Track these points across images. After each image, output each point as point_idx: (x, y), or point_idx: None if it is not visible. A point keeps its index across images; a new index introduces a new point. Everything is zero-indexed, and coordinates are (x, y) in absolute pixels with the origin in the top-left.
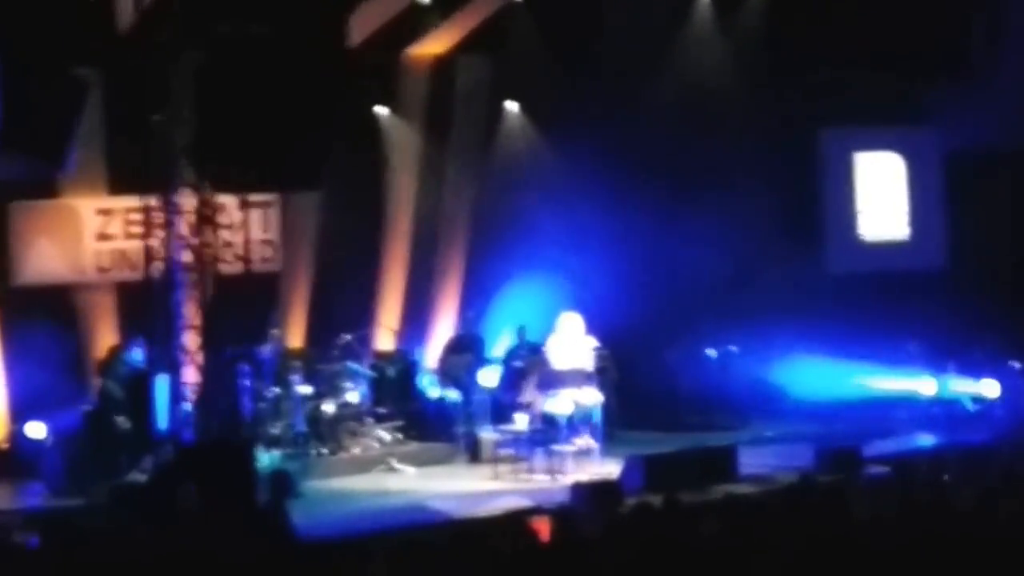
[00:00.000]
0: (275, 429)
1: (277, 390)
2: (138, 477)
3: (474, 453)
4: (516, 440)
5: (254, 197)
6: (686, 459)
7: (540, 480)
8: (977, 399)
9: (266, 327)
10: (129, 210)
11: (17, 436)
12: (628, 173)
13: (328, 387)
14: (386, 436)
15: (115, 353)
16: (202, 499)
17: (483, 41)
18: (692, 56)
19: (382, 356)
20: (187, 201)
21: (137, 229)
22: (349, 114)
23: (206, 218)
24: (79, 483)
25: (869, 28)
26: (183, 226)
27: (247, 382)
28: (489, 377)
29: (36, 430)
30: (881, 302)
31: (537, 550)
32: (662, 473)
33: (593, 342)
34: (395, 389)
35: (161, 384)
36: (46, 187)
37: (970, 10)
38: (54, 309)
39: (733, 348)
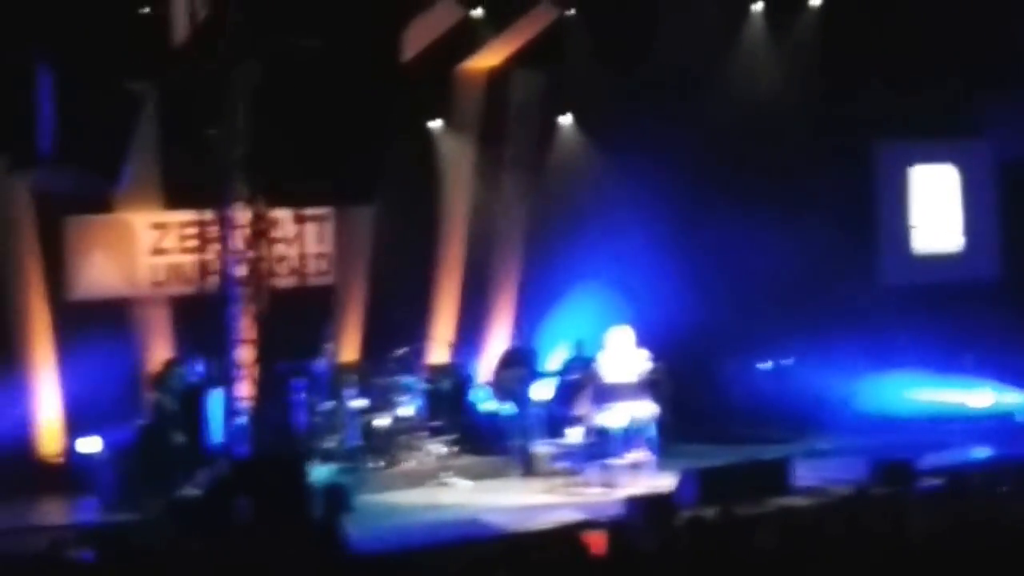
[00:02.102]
0: (329, 443)
1: (331, 404)
2: (192, 492)
3: (528, 466)
4: (570, 453)
5: (308, 211)
6: (740, 472)
7: (594, 494)
8: None
9: (320, 341)
10: (184, 224)
11: (72, 451)
12: (682, 187)
13: (382, 401)
14: (440, 450)
15: (170, 367)
16: (256, 513)
17: (537, 55)
18: (746, 69)
19: (436, 369)
20: (241, 215)
21: (192, 243)
22: (403, 128)
23: (260, 232)
24: (133, 498)
25: (922, 40)
26: (238, 240)
27: (301, 396)
28: (543, 390)
29: (91, 445)
30: (936, 314)
31: (591, 564)
32: (716, 486)
33: (646, 355)
34: (449, 403)
35: (215, 398)
36: (101, 201)
37: (1022, 22)
38: (109, 323)
39: (788, 361)
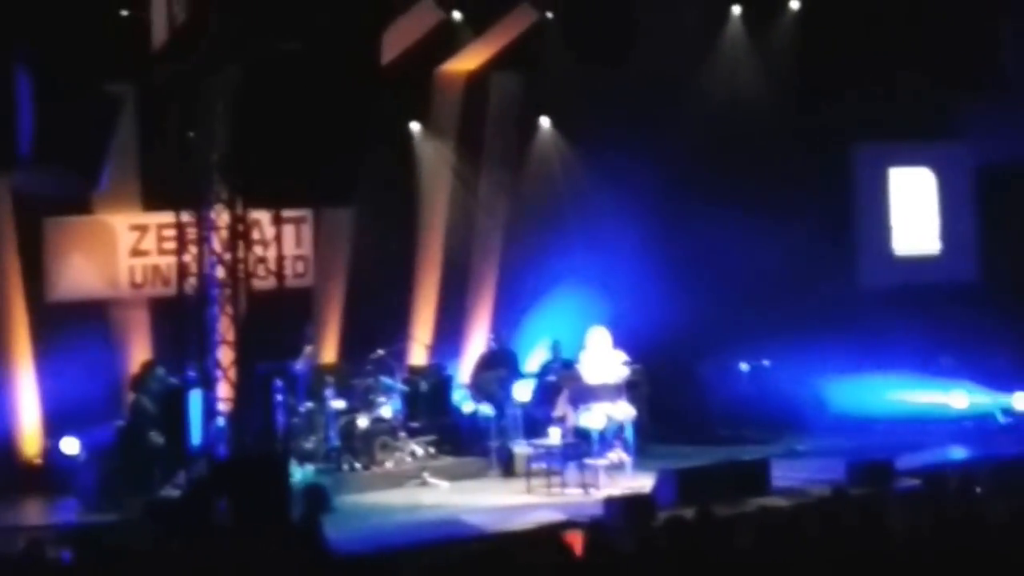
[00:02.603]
0: (309, 444)
1: (311, 405)
2: (171, 492)
3: (507, 467)
4: (549, 454)
5: (287, 213)
6: (719, 473)
7: (573, 494)
8: (1009, 412)
9: (299, 342)
10: (163, 226)
11: (51, 452)
12: (660, 189)
13: (361, 402)
14: (419, 450)
15: (148, 369)
16: (236, 514)
17: (515, 57)
18: (725, 72)
19: (415, 371)
20: (220, 217)
21: (171, 245)
22: (382, 130)
23: (239, 234)
24: (112, 498)
25: (900, 43)
26: (216, 242)
27: (281, 397)
28: (522, 392)
29: (70, 446)
30: (913, 316)
31: (570, 564)
32: (695, 487)
33: (623, 356)
34: (428, 404)
35: (195, 399)
36: (80, 203)
37: (1001, 24)
38: (88, 325)
39: (766, 362)
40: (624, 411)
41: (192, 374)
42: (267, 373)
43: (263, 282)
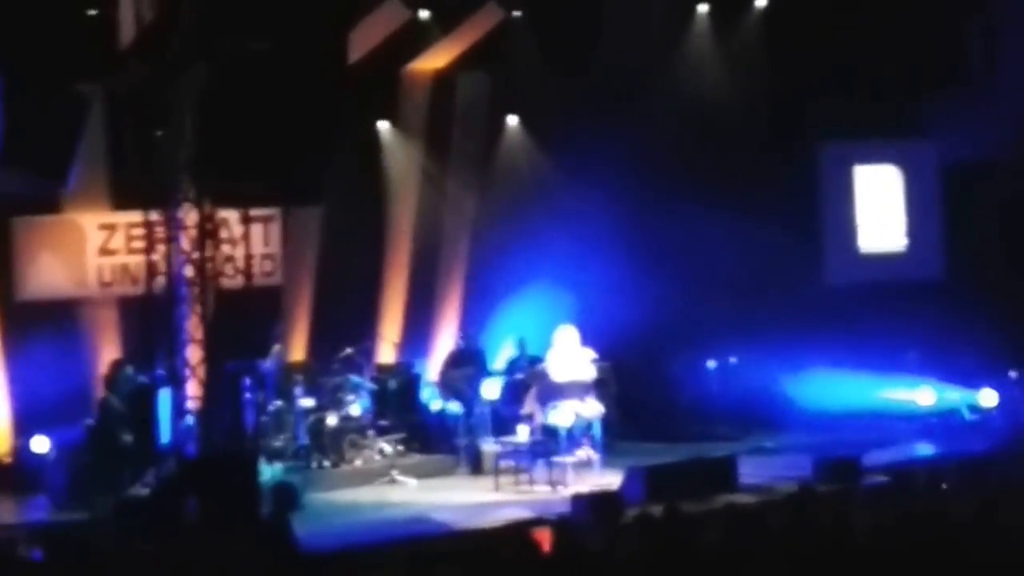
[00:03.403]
0: (278, 442)
1: (279, 403)
2: (141, 491)
3: (475, 465)
4: (517, 452)
5: (255, 212)
6: (687, 470)
7: (541, 491)
8: (975, 408)
9: (268, 341)
10: (131, 225)
11: (20, 450)
12: (627, 187)
13: (330, 400)
14: (388, 448)
15: (117, 368)
16: (205, 512)
17: (483, 56)
18: (691, 70)
19: (384, 369)
20: (189, 216)
21: (139, 244)
22: (350, 129)
23: (208, 232)
24: (82, 497)
25: (867, 41)
26: (185, 241)
27: (249, 395)
28: (490, 389)
29: (39, 444)
30: (879, 313)
31: (539, 561)
32: (663, 484)
33: (591, 354)
34: (397, 402)
35: (164, 398)
36: (48, 202)
37: (965, 23)
38: (57, 324)
39: (733, 359)
40: (592, 408)
41: (161, 372)
42: (236, 371)
43: (231, 281)
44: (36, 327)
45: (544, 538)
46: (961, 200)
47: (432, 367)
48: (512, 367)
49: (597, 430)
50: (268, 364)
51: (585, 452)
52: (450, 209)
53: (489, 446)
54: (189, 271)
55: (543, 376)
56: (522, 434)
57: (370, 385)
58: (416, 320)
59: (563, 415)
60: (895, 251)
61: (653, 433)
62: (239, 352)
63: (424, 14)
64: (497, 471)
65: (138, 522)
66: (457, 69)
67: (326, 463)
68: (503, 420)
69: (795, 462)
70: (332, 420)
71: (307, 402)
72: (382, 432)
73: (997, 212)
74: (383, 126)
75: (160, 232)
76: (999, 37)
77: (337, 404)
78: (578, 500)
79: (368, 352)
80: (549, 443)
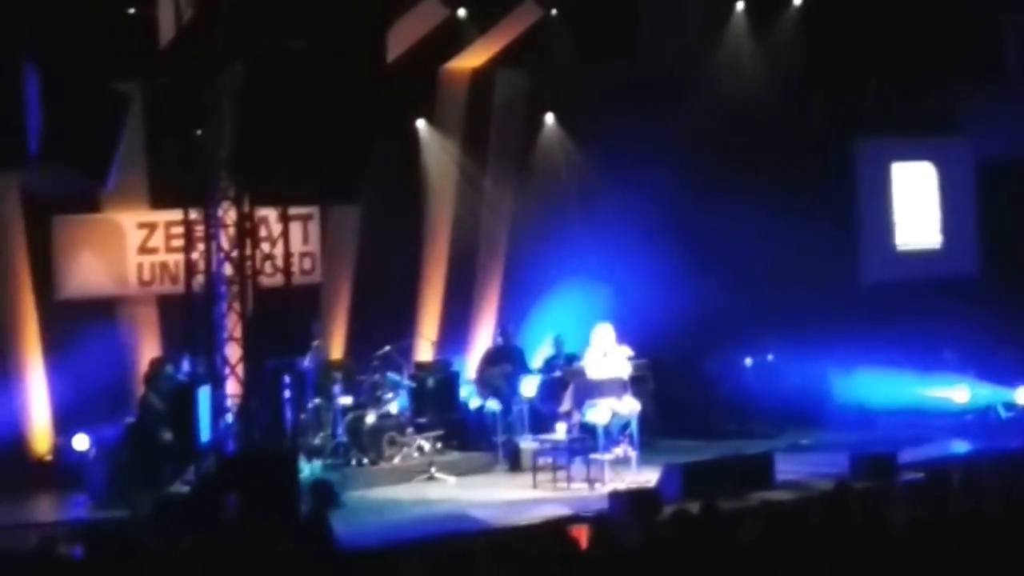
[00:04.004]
0: (316, 440)
1: (318, 401)
2: (181, 489)
3: (513, 462)
4: (555, 449)
5: (294, 210)
6: (723, 467)
7: (579, 489)
8: (1010, 406)
9: (307, 339)
10: (171, 224)
11: (61, 448)
12: (664, 185)
13: (369, 398)
14: (426, 446)
15: (157, 366)
16: (244, 510)
17: (520, 54)
18: (729, 67)
19: (422, 367)
20: (228, 214)
21: (179, 242)
22: (388, 128)
23: (247, 231)
24: (122, 495)
25: (902, 39)
26: (224, 239)
27: (288, 393)
28: (528, 387)
29: (80, 442)
30: (915, 310)
31: (576, 558)
32: (700, 481)
33: (628, 351)
34: (435, 399)
35: (203, 396)
36: (89, 201)
37: (1001, 20)
38: (97, 322)
39: (770, 357)
40: (629, 406)
41: (200, 371)
42: (275, 370)
43: (270, 279)
44: (76, 326)
45: (581, 535)
46: (996, 197)
47: (470, 365)
48: (550, 365)
49: (634, 427)
50: (307, 362)
51: (622, 449)
52: (488, 207)
53: (527, 443)
54: (228, 269)
55: (580, 374)
56: (560, 431)
57: (408, 383)
58: (454, 318)
59: (600, 413)
60: (931, 248)
61: (690, 430)
62: (278, 350)
63: (462, 12)
64: (535, 468)
65: (178, 520)
66: (495, 67)
67: (365, 461)
68: (541, 417)
69: (831, 459)
70: (371, 418)
71: (346, 400)
72: (420, 430)
73: None
74: (421, 124)
75: (199, 231)
76: None
77: (376, 402)
78: (615, 497)
79: (406, 350)
80: (587, 440)
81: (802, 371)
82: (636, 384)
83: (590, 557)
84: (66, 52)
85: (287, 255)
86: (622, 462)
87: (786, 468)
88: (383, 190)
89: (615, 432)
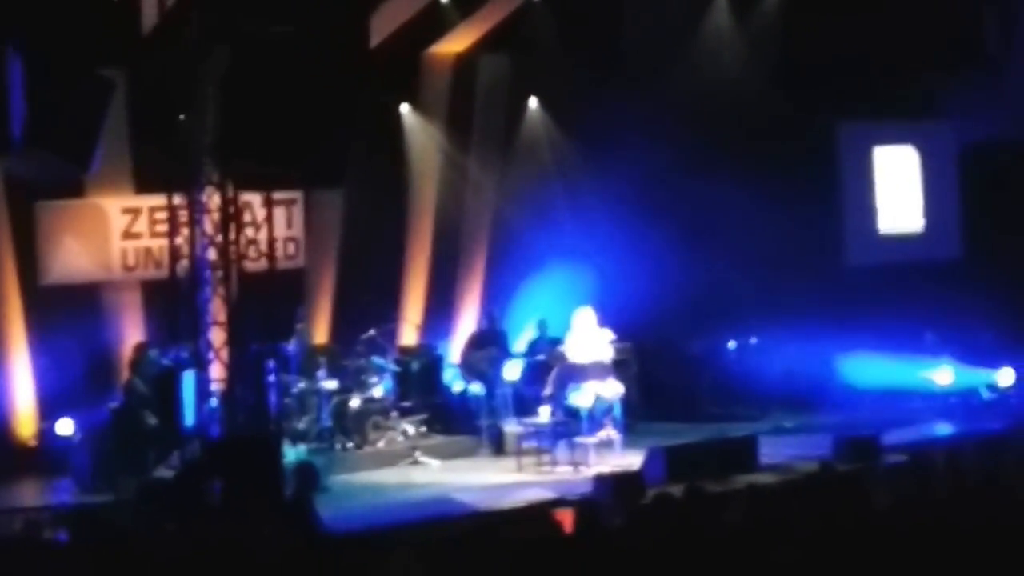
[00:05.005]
0: (301, 424)
1: (303, 385)
2: (165, 473)
3: (498, 446)
4: (539, 433)
5: (278, 195)
6: (707, 450)
7: (563, 472)
8: (993, 388)
9: (291, 323)
10: (154, 209)
11: (46, 433)
12: (647, 169)
13: (353, 382)
14: (411, 430)
15: (141, 350)
16: (229, 494)
17: (504, 39)
18: (711, 52)
19: (406, 351)
20: (212, 199)
21: (163, 227)
22: (371, 112)
23: (231, 216)
24: (107, 479)
25: (884, 23)
26: (208, 224)
27: (273, 378)
28: (512, 371)
29: (64, 427)
30: (898, 293)
31: (560, 541)
32: (683, 464)
33: (610, 334)
34: (419, 383)
35: (187, 381)
36: (72, 186)
37: (983, 5)
38: (81, 307)
39: (753, 340)
40: (613, 389)
41: (184, 355)
42: (259, 354)
43: (255, 264)
44: (60, 311)
45: (566, 518)
46: (978, 181)
47: (454, 349)
48: (533, 348)
49: (618, 411)
50: (291, 346)
51: (606, 432)
52: (471, 191)
53: (511, 427)
54: (212, 254)
55: (563, 357)
56: (544, 415)
57: (393, 367)
58: (438, 302)
59: (584, 396)
60: (913, 232)
61: (674, 413)
62: (262, 335)
63: None
64: (519, 452)
65: (162, 504)
66: (478, 52)
67: (349, 445)
68: (525, 401)
69: (815, 442)
70: (355, 402)
71: (330, 384)
72: (405, 413)
73: (1014, 192)
74: (405, 109)
75: (183, 216)
76: (1016, 18)
77: (360, 386)
78: (599, 480)
79: (390, 334)
80: (571, 424)
81: (786, 354)
82: (619, 367)
83: (574, 540)
84: (49, 38)
85: (271, 240)
86: (606, 445)
87: (770, 451)
88: (367, 175)
89: (599, 415)
